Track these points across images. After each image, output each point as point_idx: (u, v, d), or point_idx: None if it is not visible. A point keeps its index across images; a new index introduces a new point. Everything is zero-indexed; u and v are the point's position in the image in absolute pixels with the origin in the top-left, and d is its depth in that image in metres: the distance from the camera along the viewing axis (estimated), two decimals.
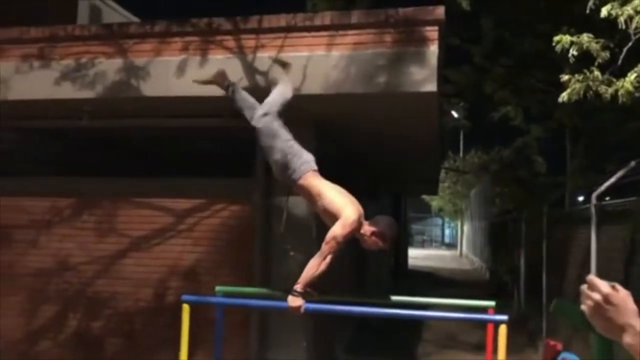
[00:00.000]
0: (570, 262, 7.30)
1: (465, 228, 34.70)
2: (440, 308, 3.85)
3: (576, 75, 3.88)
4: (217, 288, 3.77)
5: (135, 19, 13.59)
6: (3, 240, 6.40)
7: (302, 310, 3.26)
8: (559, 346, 5.65)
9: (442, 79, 8.39)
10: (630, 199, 4.96)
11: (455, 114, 25.91)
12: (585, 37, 3.93)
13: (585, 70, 3.89)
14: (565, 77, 3.96)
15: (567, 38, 3.99)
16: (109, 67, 5.46)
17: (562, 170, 13.34)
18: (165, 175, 6.27)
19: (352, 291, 8.06)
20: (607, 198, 5.81)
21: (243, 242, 6.00)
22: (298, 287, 3.27)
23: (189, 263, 6.14)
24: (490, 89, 11.61)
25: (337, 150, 7.58)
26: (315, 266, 3.29)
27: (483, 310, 3.60)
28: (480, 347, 8.71)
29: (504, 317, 3.09)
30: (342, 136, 6.87)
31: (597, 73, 3.83)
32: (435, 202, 34.67)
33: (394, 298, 3.89)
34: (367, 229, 3.48)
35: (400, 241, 20.86)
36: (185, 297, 3.39)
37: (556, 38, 4.09)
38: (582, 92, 3.88)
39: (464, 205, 32.51)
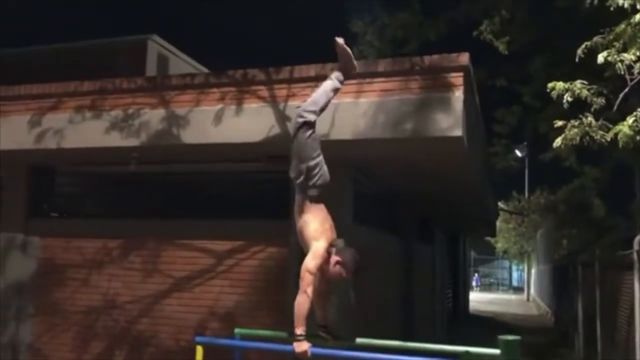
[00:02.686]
0: (619, 310, 6.98)
1: (533, 271, 33.42)
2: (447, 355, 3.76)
3: (572, 121, 3.84)
4: (236, 330, 3.87)
5: (201, 67, 14.36)
6: (56, 278, 6.81)
7: (309, 354, 3.32)
8: None
9: (481, 121, 8.36)
10: None
11: (519, 153, 25.40)
12: (578, 84, 3.89)
13: (581, 116, 3.84)
14: (559, 123, 3.92)
15: (561, 84, 3.96)
16: (153, 116, 5.83)
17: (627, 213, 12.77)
18: (206, 217, 6.53)
19: (396, 335, 7.96)
20: None
21: (279, 283, 6.12)
22: (297, 330, 3.34)
23: (227, 304, 6.31)
24: (544, 129, 11.37)
25: (380, 192, 7.67)
26: (300, 304, 3.36)
27: None
28: None
29: None
30: (380, 176, 6.97)
31: (590, 119, 3.77)
32: (499, 243, 33.65)
33: (426, 345, 3.78)
34: (332, 258, 3.52)
35: (460, 283, 20.37)
36: (198, 338, 3.52)
37: (550, 85, 4.07)
38: (578, 138, 3.82)
39: (531, 246, 31.42)
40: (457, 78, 5.00)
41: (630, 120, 3.71)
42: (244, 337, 3.88)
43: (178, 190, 6.67)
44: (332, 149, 5.56)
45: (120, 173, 6.70)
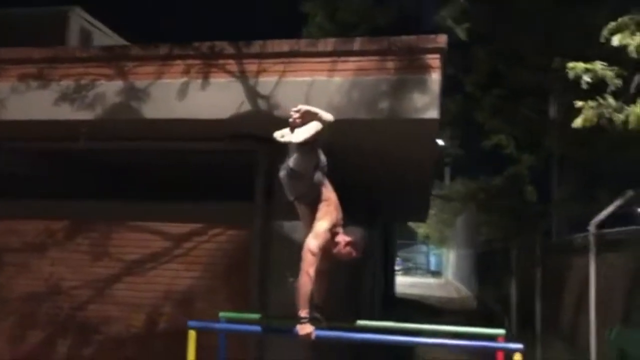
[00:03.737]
0: (565, 291, 7.31)
1: (451, 256, 34.75)
2: (448, 336, 3.80)
3: (589, 102, 3.93)
4: (221, 314, 3.69)
5: (126, 43, 13.61)
6: None
7: (313, 336, 3.21)
8: None
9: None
10: (630, 228, 4.99)
11: (441, 142, 26.12)
12: (599, 65, 4.00)
13: (598, 97, 3.95)
14: (579, 104, 4.00)
15: (581, 65, 4.05)
16: (109, 89, 5.43)
17: (547, 200, 13.41)
18: (164, 199, 6.20)
19: (347, 318, 7.96)
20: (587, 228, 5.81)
21: (241, 267, 5.92)
22: (302, 313, 3.21)
23: (182, 288, 6.05)
24: (481, 118, 11.71)
25: (339, 176, 7.58)
26: (302, 286, 3.25)
27: (492, 338, 3.56)
28: None
29: (519, 346, 3.05)
30: (343, 161, 6.86)
31: (611, 100, 3.88)
32: (422, 229, 34.72)
33: (402, 325, 3.81)
34: (341, 238, 3.47)
35: (390, 268, 20.82)
36: (191, 323, 3.31)
37: (570, 65, 4.15)
38: (595, 119, 3.93)
39: (451, 232, 32.59)
40: (434, 60, 4.97)
41: None
42: (229, 321, 3.70)
43: (132, 169, 6.27)
44: None
45: (69, 150, 6.21)
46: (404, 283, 30.66)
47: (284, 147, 3.87)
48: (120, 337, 6.03)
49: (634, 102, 3.85)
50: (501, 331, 3.53)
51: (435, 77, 4.97)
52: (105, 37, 13.59)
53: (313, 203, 3.45)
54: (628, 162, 10.23)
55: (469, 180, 24.85)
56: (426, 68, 4.99)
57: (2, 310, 6.21)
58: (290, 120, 3.45)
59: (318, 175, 3.45)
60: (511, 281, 11.27)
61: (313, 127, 3.37)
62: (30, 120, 5.58)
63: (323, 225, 3.36)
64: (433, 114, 4.95)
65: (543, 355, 8.05)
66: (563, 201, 12.48)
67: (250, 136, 5.65)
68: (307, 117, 3.42)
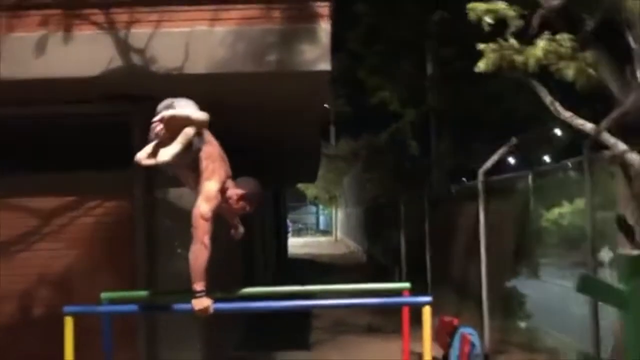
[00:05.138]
0: (454, 240, 7.54)
1: (340, 214, 35.53)
2: (351, 294, 3.67)
3: (491, 45, 3.89)
4: (103, 295, 3.28)
5: None
6: None
7: (211, 310, 2.91)
8: (455, 321, 5.78)
9: None
10: (515, 174, 5.12)
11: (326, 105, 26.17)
12: (500, 4, 3.94)
13: (499, 39, 3.92)
14: (481, 46, 3.94)
15: (482, 6, 3.98)
16: None
17: (426, 153, 13.92)
18: (28, 171, 5.50)
19: (243, 283, 7.73)
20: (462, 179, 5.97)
21: (124, 241, 5.42)
22: (197, 286, 2.89)
23: (60, 269, 5.45)
24: (364, 75, 11.76)
25: (224, 139, 7.18)
26: (197, 256, 2.94)
27: (397, 293, 3.47)
28: (372, 330, 8.79)
29: (428, 299, 2.96)
30: (229, 122, 6.47)
31: (513, 41, 3.86)
32: (309, 190, 35.11)
33: (297, 288, 3.67)
34: (232, 192, 3.18)
35: (281, 231, 20.80)
36: (67, 308, 2.87)
37: (470, 6, 4.07)
38: (497, 62, 3.89)
39: (338, 192, 33.22)
40: (323, 8, 4.71)
41: (541, 43, 3.81)
42: (112, 302, 3.30)
43: None
44: (185, 85, 4.98)
45: None
46: (296, 244, 31.01)
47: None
48: None
49: (533, 43, 3.87)
50: (406, 285, 3.45)
51: (325, 27, 4.72)
52: None
53: (195, 165, 3.09)
54: (503, 114, 10.78)
55: (352, 139, 25.35)
56: (315, 17, 4.72)
57: None
58: (153, 133, 2.97)
59: (196, 143, 3.07)
60: (400, 234, 11.57)
61: (182, 139, 2.94)
62: None
63: (212, 186, 3.03)
64: (324, 65, 4.72)
65: (436, 305, 8.33)
66: (441, 154, 12.99)
67: (123, 96, 5.11)
68: (173, 123, 2.95)
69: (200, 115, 3.05)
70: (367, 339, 8.15)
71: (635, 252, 2.11)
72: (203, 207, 2.98)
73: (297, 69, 4.71)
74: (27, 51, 4.63)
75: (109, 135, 5.52)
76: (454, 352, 5.18)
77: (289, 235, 40.80)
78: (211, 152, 3.14)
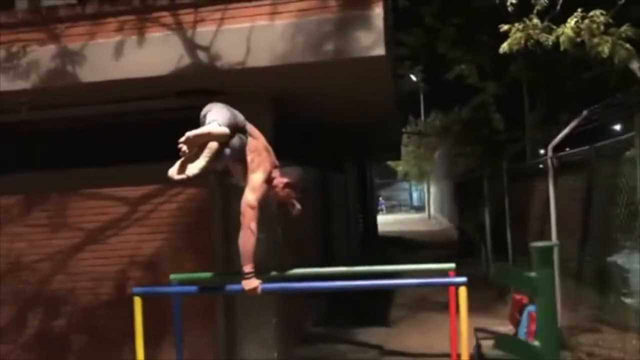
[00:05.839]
0: (531, 216, 7.37)
1: (432, 190, 35.09)
2: (402, 275, 3.80)
3: (516, 25, 3.81)
4: (172, 276, 3.64)
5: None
6: None
7: (259, 290, 3.18)
8: (525, 299, 5.70)
9: (393, 42, 8.28)
10: (583, 149, 4.96)
11: (413, 78, 25.86)
12: None
13: (525, 19, 3.82)
14: (505, 27, 3.88)
15: None
16: (43, 54, 5.17)
17: (522, 125, 13.45)
18: (115, 163, 6.04)
19: (319, 261, 8.01)
20: (567, 149, 5.81)
21: (202, 225, 5.85)
22: (246, 268, 3.19)
23: (148, 252, 5.98)
24: (443, 49, 11.55)
25: (297, 123, 7.46)
26: (245, 241, 3.22)
27: (444, 273, 3.56)
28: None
29: (463, 279, 3.05)
30: (299, 108, 6.72)
31: (536, 21, 3.76)
32: (400, 167, 34.90)
33: (354, 268, 3.82)
34: (279, 180, 3.41)
35: (368, 208, 20.96)
36: (136, 289, 3.24)
37: None
38: (523, 42, 3.81)
39: (429, 167, 32.80)
40: None
41: (572, 21, 3.71)
42: (181, 283, 3.65)
43: (80, 136, 6.07)
44: (250, 78, 5.27)
45: (11, 122, 5.97)
46: (387, 221, 31.01)
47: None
48: (89, 306, 5.98)
49: (564, 22, 3.74)
50: (451, 265, 3.53)
51: (378, 12, 4.80)
52: None
53: (242, 158, 3.35)
54: (591, 83, 10.23)
55: (443, 114, 24.89)
56: (368, 3, 4.80)
57: None
58: (181, 153, 3.22)
59: (235, 140, 3.32)
60: (484, 209, 11.37)
61: (207, 153, 3.18)
62: None
63: (258, 177, 3.29)
64: (379, 51, 4.80)
65: None
66: (533, 126, 12.54)
67: (195, 91, 5.46)
68: (197, 141, 3.20)
69: (221, 130, 3.25)
70: (445, 316, 8.19)
71: (545, 243, 2.15)
72: (249, 196, 3.23)
73: (353, 55, 4.83)
74: (107, 55, 5.08)
75: (185, 128, 5.92)
76: (522, 330, 5.15)
77: (382, 212, 41.03)
78: (257, 145, 3.38)
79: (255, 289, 3.16)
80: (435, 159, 30.22)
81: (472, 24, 10.79)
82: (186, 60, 5.04)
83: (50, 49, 5.14)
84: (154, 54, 5.06)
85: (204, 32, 5.00)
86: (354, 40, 4.80)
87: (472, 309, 8.23)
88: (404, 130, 27.82)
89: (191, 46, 5.03)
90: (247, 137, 3.35)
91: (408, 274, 3.79)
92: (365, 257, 13.25)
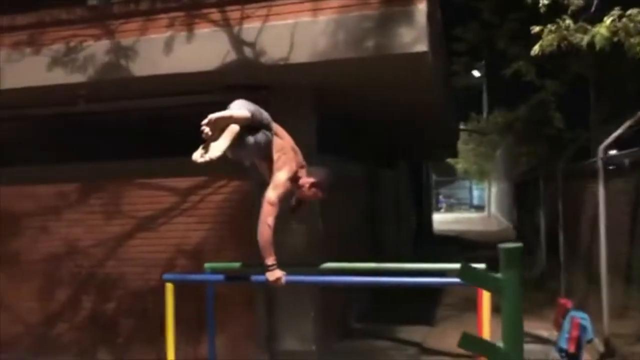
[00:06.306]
0: (582, 218, 7.14)
1: (493, 189, 34.30)
2: (432, 274, 3.78)
3: (549, 26, 3.69)
4: (206, 265, 3.76)
5: None
6: (12, 227, 6.52)
7: (283, 281, 3.26)
8: (569, 304, 5.55)
9: (442, 38, 8.15)
10: (634, 150, 4.77)
11: (477, 73, 25.31)
12: None
13: (558, 20, 3.69)
14: (536, 29, 3.76)
15: None
16: (98, 49, 5.43)
17: (585, 125, 12.95)
18: (166, 155, 6.27)
19: (364, 259, 8.03)
20: (615, 150, 5.60)
21: (245, 216, 5.98)
22: (268, 261, 3.27)
23: (194, 241, 6.18)
24: (503, 45, 11.26)
25: (342, 119, 7.49)
26: (262, 235, 3.31)
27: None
28: (498, 309, 8.66)
29: None
30: (344, 104, 6.75)
31: (568, 22, 3.63)
32: (460, 164, 34.24)
33: (382, 265, 3.79)
34: (305, 180, 3.45)
35: (424, 205, 20.74)
36: (166, 276, 3.39)
37: None
38: (555, 43, 3.69)
39: (490, 166, 32.06)
40: None
41: (608, 21, 3.57)
42: (214, 271, 3.77)
43: (133, 128, 6.33)
44: (292, 74, 5.35)
45: (70, 113, 6.31)
46: (446, 220, 30.57)
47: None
48: (138, 291, 6.25)
49: (600, 21, 3.58)
50: (481, 266, 3.47)
51: (421, 8, 4.77)
52: None
53: (268, 156, 3.41)
54: None
55: (506, 111, 24.26)
56: None
57: (27, 271, 6.50)
58: (203, 135, 3.25)
59: (263, 136, 3.36)
60: (539, 210, 11.07)
61: (228, 135, 3.21)
62: (27, 87, 5.66)
63: (282, 175, 3.35)
64: (421, 47, 4.76)
65: (565, 283, 7.97)
66: (597, 125, 12.05)
67: (242, 86, 5.59)
68: (220, 123, 3.23)
69: (242, 113, 3.28)
70: (492, 319, 8.05)
71: (511, 244, 2.10)
72: (271, 193, 3.31)
73: (394, 52, 4.82)
74: (157, 50, 5.28)
75: None
76: (563, 335, 5.01)
77: (442, 210, 40.47)
78: (282, 145, 3.43)
79: (278, 279, 3.24)
80: (497, 157, 29.51)
81: (532, 19, 10.47)
82: (232, 56, 5.17)
83: (105, 44, 5.40)
84: (202, 49, 5.21)
85: (249, 29, 5.11)
86: (395, 37, 4.79)
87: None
88: (462, 127, 27.34)
89: (237, 42, 5.16)
90: (272, 135, 3.41)
91: (441, 273, 3.76)
92: (414, 256, 13.14)
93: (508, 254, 2.08)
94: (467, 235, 22.11)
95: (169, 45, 5.28)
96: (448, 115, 9.85)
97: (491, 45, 12.04)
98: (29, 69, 5.57)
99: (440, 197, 43.88)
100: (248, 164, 3.57)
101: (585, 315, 5.02)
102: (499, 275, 2.06)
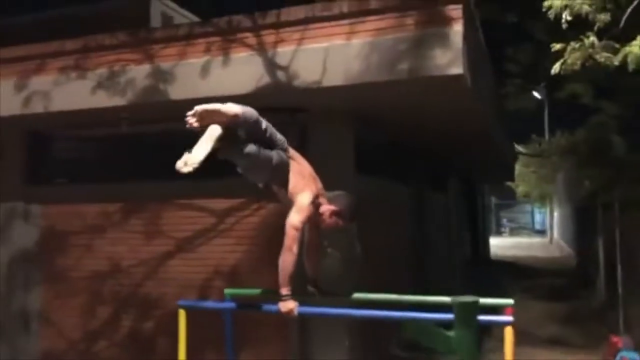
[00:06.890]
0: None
1: (555, 213, 33.03)
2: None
3: (572, 43, 3.47)
4: (226, 291, 3.71)
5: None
6: (59, 244, 6.73)
7: (295, 312, 3.15)
8: (620, 343, 5.21)
9: (487, 60, 7.92)
10: None
11: (537, 95, 24.57)
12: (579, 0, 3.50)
13: (582, 37, 3.47)
14: (557, 46, 3.55)
15: (558, 1, 3.57)
16: (139, 73, 5.58)
17: None
18: (205, 177, 6.32)
19: (406, 288, 7.80)
20: None
21: (281, 239, 5.93)
22: (283, 290, 3.17)
23: (231, 262, 6.18)
24: (556, 65, 10.83)
25: (388, 141, 7.38)
26: (286, 262, 3.18)
27: (501, 309, 3.30)
28: (552, 342, 8.21)
29: (508, 319, 2.81)
30: (384, 126, 6.65)
31: (592, 39, 3.40)
32: (520, 187, 33.21)
33: (408, 297, 3.60)
34: (325, 208, 3.29)
35: (479, 228, 20.17)
36: (181, 302, 3.36)
37: (546, 3, 3.67)
38: (579, 63, 3.46)
39: (552, 189, 30.92)
40: (455, 11, 4.63)
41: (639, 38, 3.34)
42: (234, 297, 3.71)
43: (174, 149, 6.43)
44: (325, 97, 5.31)
45: (115, 135, 6.49)
46: (504, 245, 29.64)
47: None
48: (175, 311, 6.26)
49: (633, 38, 3.34)
50: (509, 302, 3.25)
51: (457, 29, 4.64)
52: (184, 19, 14.08)
53: (283, 179, 3.30)
54: None
55: (568, 134, 23.42)
56: (447, 20, 4.67)
57: (72, 288, 6.68)
58: (188, 126, 3.08)
59: (277, 156, 3.23)
60: (598, 239, 10.51)
61: (208, 140, 2.99)
62: (73, 110, 5.86)
63: (304, 199, 3.23)
64: (457, 69, 4.63)
65: (624, 317, 7.48)
66: None
67: (279, 109, 5.59)
68: (206, 117, 3.04)
69: (232, 108, 3.04)
70: (543, 351, 7.65)
71: (467, 298, 1.85)
72: (294, 217, 3.20)
73: (429, 74, 4.70)
74: (195, 74, 5.36)
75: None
76: None
77: (505, 234, 39.29)
78: (300, 169, 3.31)
79: (291, 311, 3.14)
80: (558, 181, 28.43)
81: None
82: (266, 79, 5.19)
83: (145, 68, 5.53)
84: (238, 73, 5.26)
85: (283, 52, 5.12)
86: (430, 59, 4.67)
87: (573, 345, 7.66)
88: (522, 149, 26.52)
89: (271, 65, 5.17)
90: (288, 159, 3.31)
91: None
92: (464, 286, 12.69)
93: (462, 309, 1.81)
94: (525, 261, 21.33)
95: (205, 69, 5.36)
96: (499, 137, 9.54)
97: (546, 65, 11.65)
98: (75, 93, 5.77)
99: (505, 220, 42.87)
100: (261, 185, 3.47)
101: (637, 356, 4.67)
102: (451, 333, 1.80)
